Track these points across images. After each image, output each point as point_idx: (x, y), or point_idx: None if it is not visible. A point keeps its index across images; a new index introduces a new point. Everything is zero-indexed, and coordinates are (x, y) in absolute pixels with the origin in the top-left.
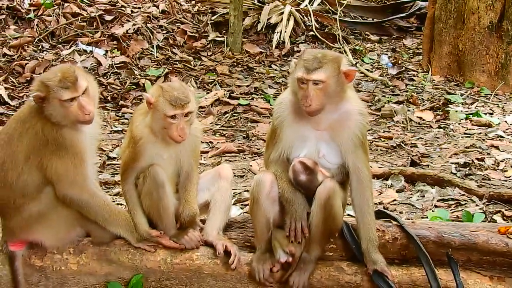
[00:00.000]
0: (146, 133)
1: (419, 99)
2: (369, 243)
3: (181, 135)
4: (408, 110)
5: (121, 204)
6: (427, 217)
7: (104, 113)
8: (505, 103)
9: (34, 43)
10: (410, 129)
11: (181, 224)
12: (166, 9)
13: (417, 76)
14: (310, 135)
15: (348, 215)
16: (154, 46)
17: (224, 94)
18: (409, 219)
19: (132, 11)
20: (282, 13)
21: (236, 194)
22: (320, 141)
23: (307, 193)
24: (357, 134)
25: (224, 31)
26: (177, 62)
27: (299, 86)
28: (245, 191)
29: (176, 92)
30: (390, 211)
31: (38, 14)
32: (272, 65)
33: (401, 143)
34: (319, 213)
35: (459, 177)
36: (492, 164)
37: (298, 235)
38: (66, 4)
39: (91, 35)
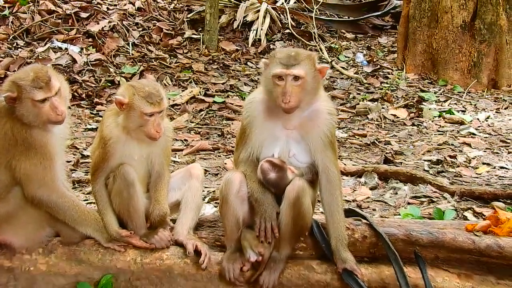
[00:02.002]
0: (116, 133)
1: (394, 97)
2: (338, 241)
3: (158, 130)
4: (383, 108)
5: (93, 203)
6: (399, 214)
7: (78, 110)
8: (477, 101)
9: (8, 40)
10: (384, 126)
11: (151, 224)
12: (142, 7)
13: (392, 74)
14: (281, 134)
15: (322, 213)
16: (130, 44)
17: (200, 92)
18: (382, 216)
19: (108, 9)
20: (259, 11)
21: (210, 192)
22: (290, 140)
23: (277, 192)
24: (326, 134)
25: (200, 29)
26: (153, 60)
27: (275, 83)
28: (219, 189)
29: (148, 88)
30: (364, 208)
31: (13, 11)
32: (248, 63)
33: (375, 141)
34: (288, 212)
35: (431, 174)
36: (464, 161)
37: (268, 235)
38: (41, 1)
39: (66, 32)
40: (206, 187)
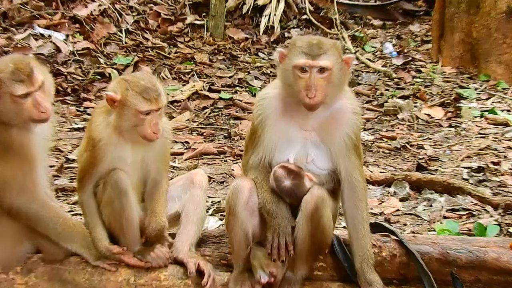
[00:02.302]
0: (107, 134)
1: (427, 94)
2: (363, 261)
3: (156, 131)
4: (415, 106)
5: (79, 215)
6: (434, 230)
7: (63, 107)
8: None
9: None
10: (417, 128)
11: (147, 239)
12: None
13: (425, 67)
14: (297, 136)
15: (344, 227)
16: (123, 30)
17: (203, 87)
18: (414, 232)
19: None
20: None
21: (215, 203)
22: (308, 143)
23: (292, 202)
24: (350, 136)
25: (204, 14)
26: (149, 49)
27: (297, 76)
28: (225, 199)
29: (144, 82)
30: (393, 223)
31: None
32: (259, 53)
33: (406, 144)
34: (305, 226)
35: (471, 183)
36: (510, 169)
37: (282, 253)
38: None
39: (50, 17)
40: (210, 197)
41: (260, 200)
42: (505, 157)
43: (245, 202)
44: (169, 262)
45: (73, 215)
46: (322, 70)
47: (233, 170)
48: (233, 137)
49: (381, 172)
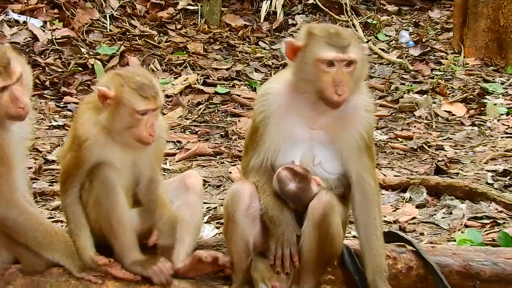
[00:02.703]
0: (94, 133)
1: (448, 88)
2: (376, 273)
3: (152, 133)
4: (434, 102)
5: (61, 222)
6: (454, 240)
7: (41, 103)
8: None
9: None
10: (436, 126)
11: (156, 246)
12: None
13: (446, 59)
14: (304, 135)
15: (354, 236)
16: (107, 17)
17: (197, 80)
18: (432, 242)
19: None
20: None
21: (211, 209)
22: (315, 143)
23: (297, 208)
24: (363, 135)
25: None
26: (137, 38)
27: (322, 71)
28: (221, 205)
29: (140, 78)
30: (408, 232)
31: None
32: (260, 43)
33: (424, 145)
34: (312, 234)
35: (496, 188)
36: None
37: (286, 265)
38: None
39: (25, 1)
40: (205, 203)
41: (262, 206)
42: None
43: (245, 208)
44: (171, 279)
45: (53, 221)
46: (349, 63)
47: (230, 173)
48: (230, 136)
49: (395, 176)
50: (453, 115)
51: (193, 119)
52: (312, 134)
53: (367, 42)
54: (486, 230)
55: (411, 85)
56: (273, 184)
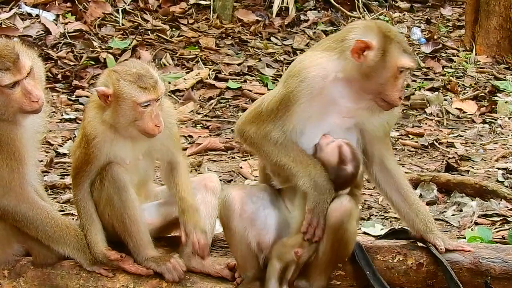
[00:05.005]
0: (101, 131)
1: (459, 86)
2: (428, 222)
3: (157, 124)
4: (445, 100)
5: (72, 215)
6: (464, 238)
7: (53, 96)
8: None
9: None
10: (447, 124)
11: (186, 235)
12: None
13: (457, 56)
14: (330, 119)
15: (364, 233)
16: (120, 11)
17: (209, 75)
18: None
19: None
20: None
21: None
22: (338, 128)
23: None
24: (390, 123)
25: None
26: (149, 32)
27: (396, 77)
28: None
29: (136, 70)
30: None
31: None
32: (272, 38)
33: (435, 142)
34: (328, 238)
35: (506, 186)
36: None
37: (317, 233)
38: None
39: None
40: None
41: (299, 174)
42: None
43: (238, 214)
44: (183, 277)
45: (64, 214)
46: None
47: (241, 168)
48: None
49: (406, 173)
50: (464, 112)
51: (204, 113)
52: (341, 121)
53: None
54: (496, 228)
55: (423, 82)
56: (323, 155)
